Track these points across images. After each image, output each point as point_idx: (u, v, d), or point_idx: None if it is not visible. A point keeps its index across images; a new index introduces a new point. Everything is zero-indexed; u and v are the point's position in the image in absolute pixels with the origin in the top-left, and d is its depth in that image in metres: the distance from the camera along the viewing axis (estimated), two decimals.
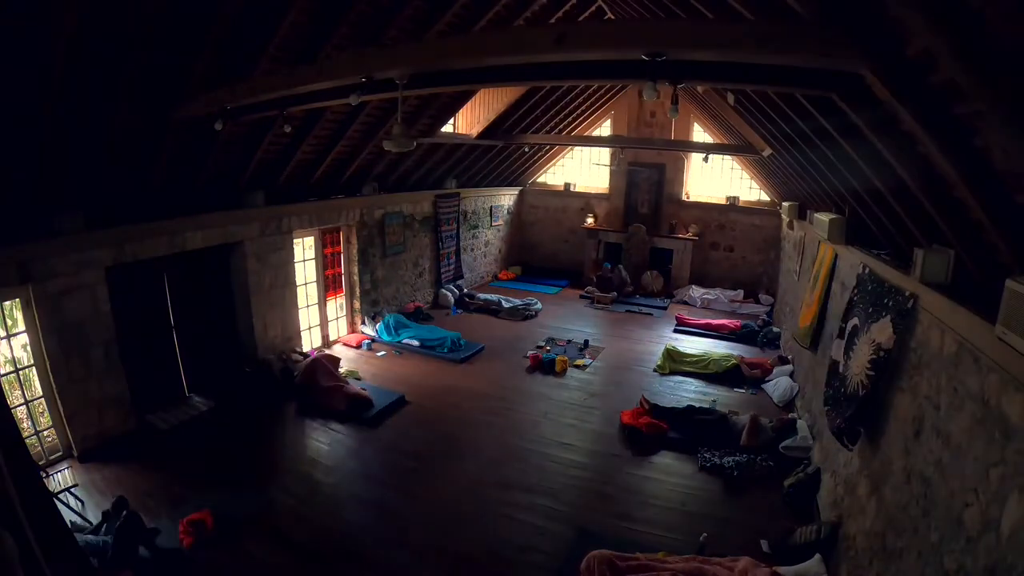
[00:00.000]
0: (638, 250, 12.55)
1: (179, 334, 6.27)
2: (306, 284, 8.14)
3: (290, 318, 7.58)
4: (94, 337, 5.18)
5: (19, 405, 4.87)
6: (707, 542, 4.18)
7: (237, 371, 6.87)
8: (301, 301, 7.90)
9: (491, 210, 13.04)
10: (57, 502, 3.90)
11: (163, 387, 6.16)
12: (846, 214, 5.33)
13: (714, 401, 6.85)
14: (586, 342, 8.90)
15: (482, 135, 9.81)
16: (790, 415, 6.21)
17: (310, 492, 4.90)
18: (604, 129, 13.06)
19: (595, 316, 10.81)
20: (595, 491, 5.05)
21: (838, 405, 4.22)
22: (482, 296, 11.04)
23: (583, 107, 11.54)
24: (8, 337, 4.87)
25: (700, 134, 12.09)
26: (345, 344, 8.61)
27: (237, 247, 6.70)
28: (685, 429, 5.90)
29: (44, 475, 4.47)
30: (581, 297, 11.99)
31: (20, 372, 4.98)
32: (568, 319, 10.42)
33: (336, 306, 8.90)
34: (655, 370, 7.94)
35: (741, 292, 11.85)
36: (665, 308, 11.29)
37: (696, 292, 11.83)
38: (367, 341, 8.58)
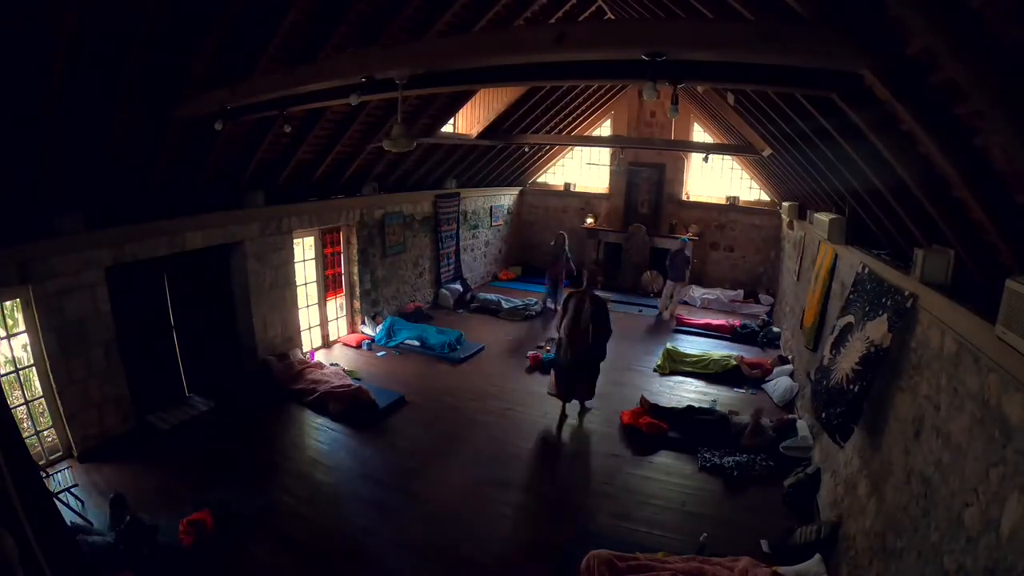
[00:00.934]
0: (638, 250, 12.54)
1: (179, 334, 6.27)
2: (306, 284, 8.14)
3: (290, 318, 7.57)
4: (94, 337, 5.18)
5: (19, 405, 4.87)
6: (707, 542, 4.18)
7: (237, 371, 6.87)
8: (301, 301, 7.90)
9: (491, 210, 13.04)
10: (57, 502, 3.90)
11: (163, 387, 6.16)
12: (846, 214, 5.33)
13: (714, 401, 6.85)
14: None
15: (482, 135, 9.81)
16: (789, 415, 6.21)
17: (310, 492, 4.90)
18: (604, 129, 13.06)
19: None
20: (595, 491, 5.05)
21: (822, 400, 4.23)
22: (482, 296, 11.05)
23: (583, 107, 11.54)
24: (8, 337, 4.87)
25: (700, 134, 12.10)
26: (345, 344, 8.61)
27: (237, 247, 6.70)
28: (685, 429, 5.90)
29: (44, 475, 4.48)
30: None
31: (20, 372, 4.97)
32: None
33: (336, 306, 8.90)
34: (655, 370, 7.94)
35: (741, 292, 11.85)
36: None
37: (696, 292, 11.83)
38: (367, 341, 8.58)
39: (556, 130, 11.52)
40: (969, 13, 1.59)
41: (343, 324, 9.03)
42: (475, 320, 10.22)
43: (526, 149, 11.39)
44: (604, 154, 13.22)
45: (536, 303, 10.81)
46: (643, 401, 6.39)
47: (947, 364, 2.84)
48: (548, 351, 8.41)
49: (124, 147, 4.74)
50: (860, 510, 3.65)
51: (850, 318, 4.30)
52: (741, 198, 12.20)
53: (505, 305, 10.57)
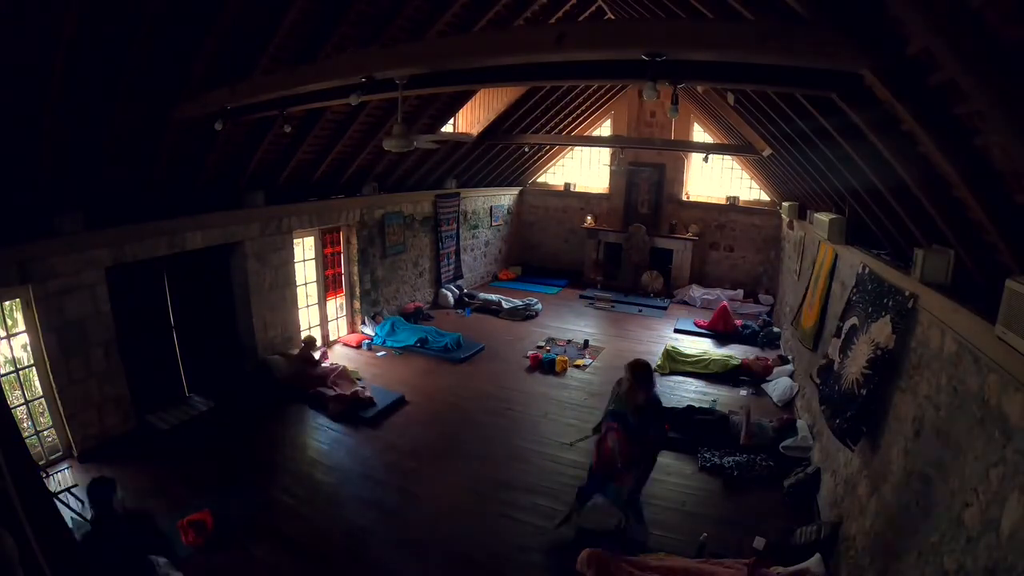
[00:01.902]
0: (638, 250, 12.54)
1: (179, 334, 6.27)
2: (306, 284, 8.14)
3: (290, 318, 7.58)
4: (94, 337, 5.18)
5: (19, 405, 4.87)
6: (707, 541, 4.18)
7: (237, 371, 6.87)
8: (301, 301, 7.90)
9: (491, 210, 13.04)
10: (57, 502, 3.90)
11: (163, 387, 6.16)
12: (846, 214, 5.33)
13: (714, 401, 6.85)
14: (586, 342, 8.90)
15: (482, 135, 9.82)
16: (787, 416, 6.20)
17: (310, 492, 4.90)
18: (604, 129, 13.06)
19: (595, 316, 10.81)
20: None
21: (833, 404, 4.22)
22: (482, 296, 11.05)
23: (583, 107, 11.54)
24: (8, 337, 4.87)
25: (700, 134, 12.09)
26: (345, 344, 8.61)
27: (237, 247, 6.70)
28: (685, 429, 5.90)
29: (44, 475, 4.48)
30: (581, 297, 11.99)
31: (20, 372, 4.97)
32: (568, 319, 10.42)
33: (336, 306, 8.90)
34: (655, 370, 7.93)
35: (741, 292, 11.85)
36: (665, 308, 11.28)
37: (696, 292, 11.83)
38: (367, 341, 8.59)
39: (556, 130, 11.52)
40: (969, 13, 1.59)
41: (343, 324, 9.03)
42: (475, 320, 10.23)
43: (526, 149, 11.39)
44: (604, 154, 13.22)
45: (536, 303, 10.79)
46: None
47: (947, 364, 2.84)
48: (548, 351, 8.43)
49: (124, 147, 4.75)
50: (860, 510, 3.65)
51: (855, 320, 4.30)
52: (741, 198, 12.20)
53: (505, 305, 10.57)
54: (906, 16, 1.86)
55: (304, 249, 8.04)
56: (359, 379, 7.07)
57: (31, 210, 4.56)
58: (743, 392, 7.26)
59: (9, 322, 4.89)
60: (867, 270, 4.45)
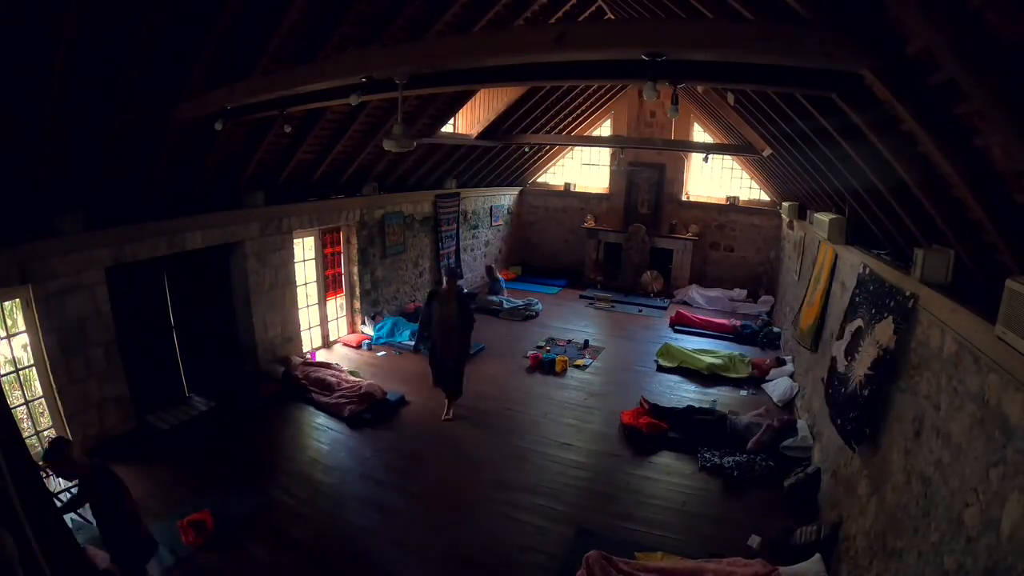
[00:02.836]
0: (638, 250, 12.55)
1: (179, 334, 6.27)
2: (306, 284, 8.14)
3: (290, 318, 7.57)
4: (94, 337, 5.18)
5: (19, 405, 4.87)
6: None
7: (237, 371, 6.87)
8: (301, 301, 7.90)
9: (491, 210, 13.04)
10: (57, 502, 3.89)
11: (163, 387, 6.16)
12: (846, 214, 5.32)
13: (714, 401, 6.85)
14: (586, 342, 8.91)
15: (482, 135, 9.81)
16: (787, 416, 6.20)
17: (310, 492, 4.90)
18: (604, 129, 13.06)
19: (595, 316, 10.82)
20: (595, 491, 5.05)
21: (838, 406, 4.22)
22: (482, 296, 11.04)
23: (583, 107, 11.54)
24: (8, 337, 4.86)
25: (700, 134, 12.09)
26: (345, 344, 8.61)
27: (237, 247, 6.70)
28: (685, 429, 5.90)
29: (44, 475, 4.47)
30: (581, 297, 11.99)
31: (20, 372, 4.97)
32: (568, 319, 10.42)
33: (336, 306, 8.89)
34: (655, 360, 8.10)
35: (744, 292, 11.84)
36: (665, 308, 11.28)
37: (697, 292, 11.83)
38: (367, 341, 8.58)
39: (556, 130, 11.51)
40: (969, 13, 1.59)
41: (343, 324, 9.03)
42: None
43: (526, 149, 11.39)
44: (604, 154, 13.21)
45: (536, 303, 10.81)
46: (643, 401, 6.39)
47: (947, 364, 2.84)
48: (548, 351, 8.44)
49: (124, 147, 4.74)
50: (860, 510, 3.65)
51: (859, 322, 4.29)
52: (741, 198, 12.20)
53: (505, 305, 10.57)
54: (906, 16, 1.86)
55: (304, 249, 8.04)
56: (358, 376, 7.06)
57: (31, 210, 4.56)
58: (743, 392, 7.27)
59: (9, 322, 4.88)
60: (868, 270, 4.44)
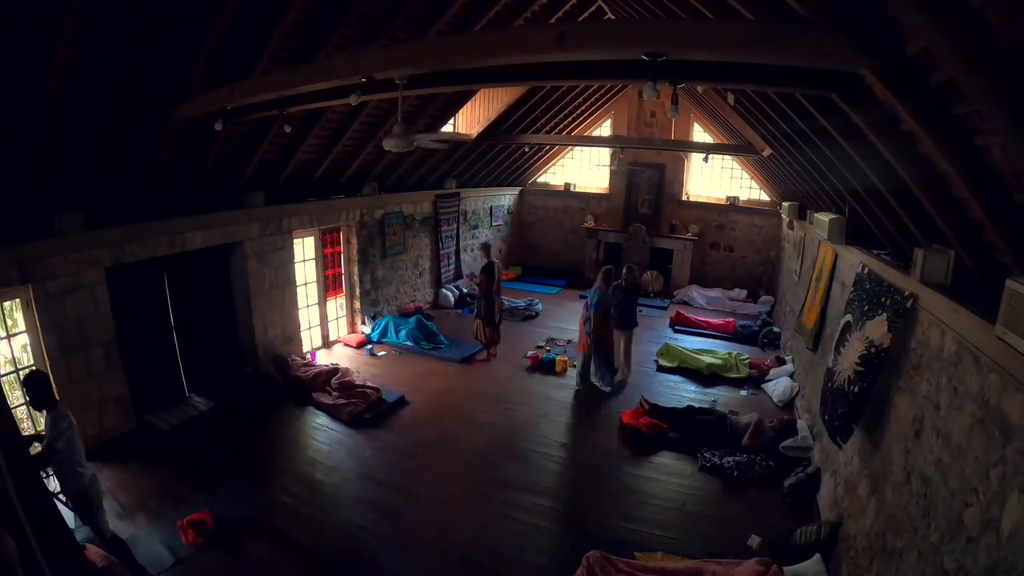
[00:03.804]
0: (638, 250, 12.54)
1: (179, 334, 6.27)
2: (306, 284, 8.13)
3: (290, 318, 7.57)
4: (94, 337, 5.18)
5: (19, 405, 4.87)
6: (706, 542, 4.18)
7: (237, 371, 6.87)
8: (301, 301, 7.90)
9: (491, 210, 13.04)
10: (57, 502, 3.89)
11: (163, 387, 6.16)
12: (846, 214, 5.32)
13: (714, 401, 6.85)
14: None
15: (482, 135, 9.81)
16: (787, 416, 6.20)
17: (310, 492, 4.90)
18: (604, 129, 13.06)
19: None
20: (595, 491, 5.05)
21: (827, 402, 4.22)
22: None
23: (583, 107, 11.54)
24: (8, 337, 4.86)
25: (700, 134, 12.09)
26: (345, 344, 8.61)
27: (237, 247, 6.70)
28: (685, 429, 5.90)
29: (44, 475, 4.47)
30: (581, 297, 11.97)
31: (20, 372, 4.97)
32: (568, 319, 10.40)
33: (336, 306, 8.90)
34: (655, 360, 8.14)
35: (744, 292, 11.84)
36: (665, 308, 11.27)
37: (697, 292, 11.83)
38: (368, 346, 8.58)
39: (556, 130, 11.52)
40: (969, 13, 1.59)
41: (343, 324, 9.03)
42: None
43: (526, 149, 11.39)
44: (604, 154, 13.21)
45: (536, 303, 10.80)
46: (643, 401, 6.39)
47: (947, 364, 2.84)
48: (548, 351, 8.43)
49: (124, 147, 4.75)
50: (860, 510, 3.65)
51: (848, 317, 4.30)
52: (741, 198, 12.20)
53: (506, 305, 10.56)
54: (906, 16, 1.86)
55: (304, 249, 8.04)
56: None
57: (31, 210, 4.56)
58: (743, 392, 7.27)
59: (9, 322, 4.88)
60: (866, 270, 4.45)
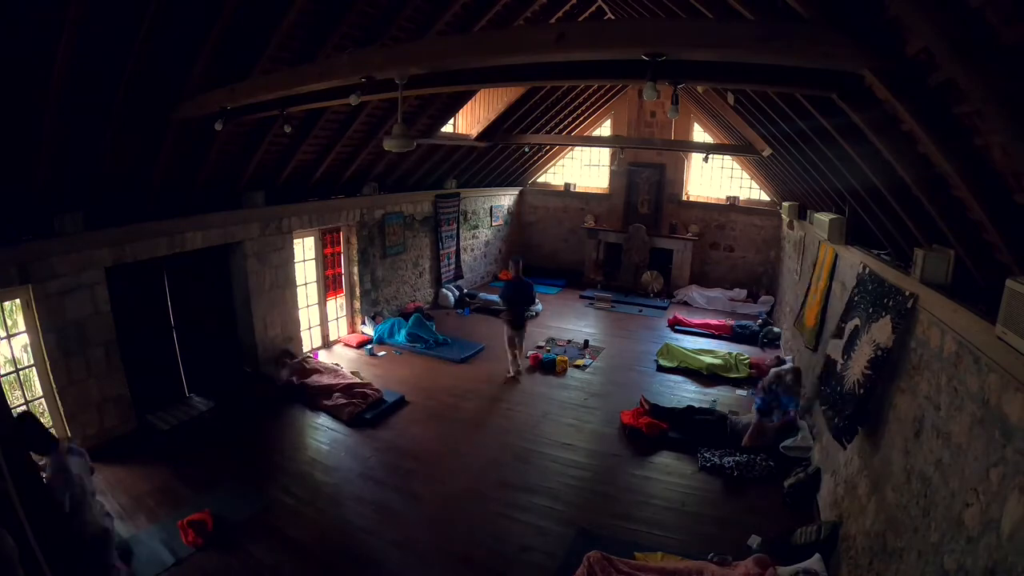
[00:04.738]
0: (638, 250, 12.55)
1: (179, 334, 6.27)
2: (306, 284, 8.14)
3: (290, 318, 7.57)
4: (94, 337, 5.18)
5: (19, 405, 4.87)
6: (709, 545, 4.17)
7: (237, 371, 6.87)
8: (301, 301, 7.90)
9: (491, 210, 13.04)
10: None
11: (163, 387, 6.16)
12: (846, 214, 5.32)
13: (714, 401, 6.85)
14: (586, 342, 8.91)
15: (482, 135, 9.81)
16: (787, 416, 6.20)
17: (310, 492, 4.90)
18: (604, 129, 13.06)
19: (595, 316, 10.82)
20: (595, 491, 5.05)
21: (835, 405, 4.22)
22: (482, 296, 11.04)
23: (583, 107, 11.54)
24: (8, 337, 4.86)
25: (700, 134, 12.09)
26: (345, 344, 8.61)
27: (237, 247, 6.70)
28: (685, 429, 5.90)
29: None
30: (581, 297, 11.99)
31: (20, 372, 4.97)
32: (568, 319, 10.42)
33: (336, 306, 8.90)
34: (655, 360, 8.11)
35: (744, 292, 11.84)
36: (665, 308, 11.28)
37: (697, 292, 11.83)
38: (368, 346, 8.58)
39: (556, 130, 11.52)
40: (969, 13, 1.59)
41: (343, 324, 9.03)
42: (475, 320, 10.23)
43: (526, 149, 11.39)
44: (603, 154, 13.21)
45: (536, 303, 10.80)
46: (643, 401, 6.39)
47: (947, 364, 2.84)
48: (548, 351, 8.44)
49: (124, 147, 4.74)
50: (860, 510, 3.65)
51: (857, 321, 4.29)
52: (741, 198, 12.20)
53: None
54: (906, 16, 1.86)
55: (304, 249, 8.04)
56: (360, 379, 7.06)
57: (31, 210, 4.56)
58: (743, 392, 7.27)
59: (9, 322, 4.88)
60: (867, 270, 4.44)
